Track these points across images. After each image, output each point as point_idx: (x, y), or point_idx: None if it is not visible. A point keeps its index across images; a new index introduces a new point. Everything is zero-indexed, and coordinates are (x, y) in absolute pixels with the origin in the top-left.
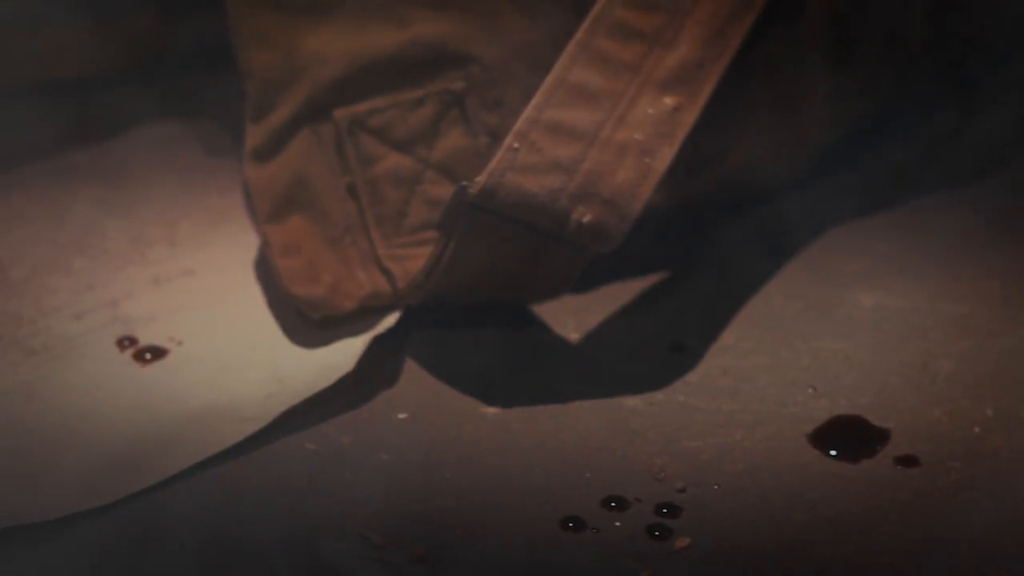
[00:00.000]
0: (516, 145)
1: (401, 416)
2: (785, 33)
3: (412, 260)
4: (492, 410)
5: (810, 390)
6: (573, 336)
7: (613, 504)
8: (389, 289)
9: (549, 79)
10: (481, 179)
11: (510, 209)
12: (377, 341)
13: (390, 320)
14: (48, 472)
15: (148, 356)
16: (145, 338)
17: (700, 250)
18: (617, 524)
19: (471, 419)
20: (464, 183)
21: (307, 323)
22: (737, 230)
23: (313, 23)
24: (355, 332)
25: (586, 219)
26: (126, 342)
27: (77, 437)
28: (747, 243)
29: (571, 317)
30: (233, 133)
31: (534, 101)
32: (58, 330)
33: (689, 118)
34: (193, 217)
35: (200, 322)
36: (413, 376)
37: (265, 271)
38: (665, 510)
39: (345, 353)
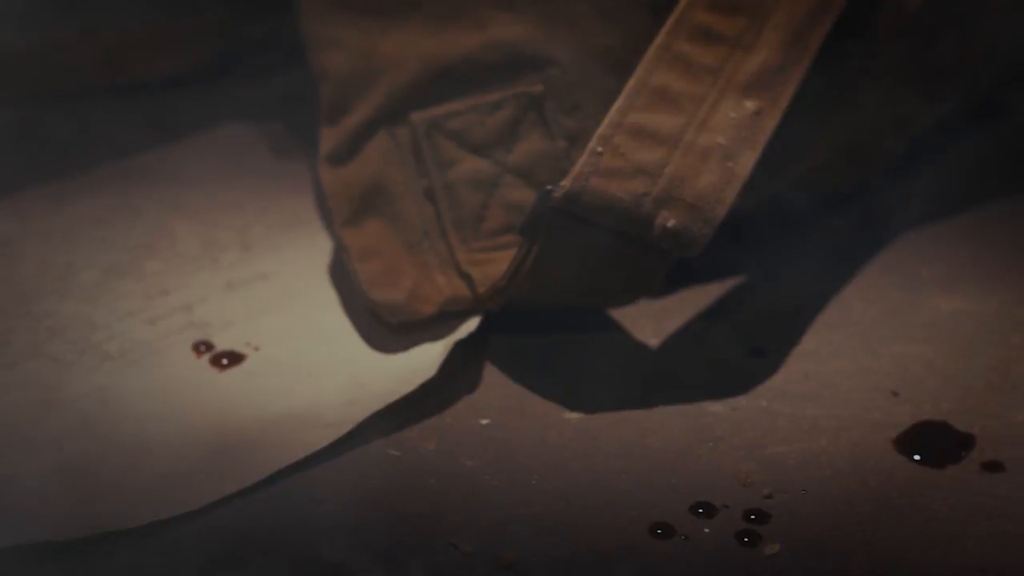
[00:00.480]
0: (600, 149)
1: (483, 422)
2: (858, 37)
3: (491, 264)
4: (574, 416)
5: (893, 395)
6: (652, 341)
7: (700, 510)
8: (468, 294)
9: (631, 82)
10: (565, 183)
11: (594, 213)
12: (456, 346)
13: (471, 325)
14: (129, 479)
15: (225, 361)
16: (222, 343)
17: (776, 254)
18: (706, 531)
19: (554, 425)
20: (549, 187)
21: (385, 328)
22: (813, 234)
23: (388, 26)
24: (434, 337)
25: (670, 224)
26: (202, 347)
27: (157, 443)
28: (823, 247)
29: (649, 322)
30: (301, 136)
31: (617, 105)
32: (133, 335)
33: (771, 122)
34: (265, 221)
35: (277, 327)
36: (493, 381)
37: (340, 275)
38: (753, 516)
39: (426, 358)
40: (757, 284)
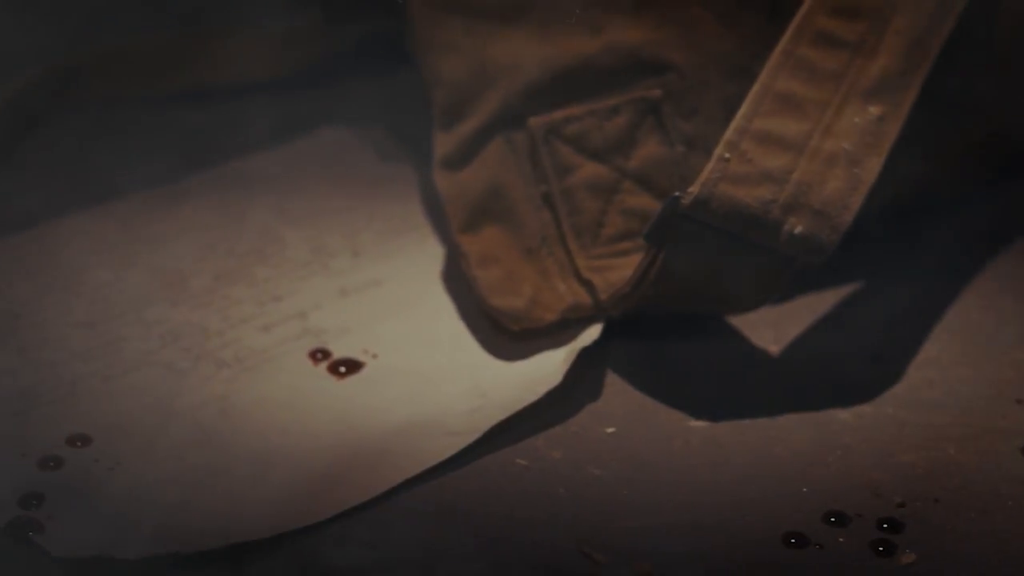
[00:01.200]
0: (727, 155)
1: (609, 430)
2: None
3: (612, 271)
4: (699, 424)
5: (1017, 403)
6: (772, 348)
7: (833, 519)
8: (590, 300)
9: (756, 88)
10: (693, 189)
11: (722, 220)
12: (578, 354)
13: (593, 332)
14: (255, 489)
15: (343, 369)
16: (339, 350)
17: (890, 260)
18: (840, 540)
19: (679, 433)
20: (677, 194)
21: (504, 334)
22: (926, 241)
23: (502, 29)
24: (555, 344)
25: (797, 230)
26: (319, 354)
27: (281, 453)
28: (936, 253)
29: (769, 329)
30: (402, 139)
31: (742, 110)
32: (248, 342)
33: (894, 128)
34: (373, 227)
35: (393, 334)
36: (617, 389)
37: (453, 281)
38: (886, 525)
39: (549, 366)
40: (873, 290)
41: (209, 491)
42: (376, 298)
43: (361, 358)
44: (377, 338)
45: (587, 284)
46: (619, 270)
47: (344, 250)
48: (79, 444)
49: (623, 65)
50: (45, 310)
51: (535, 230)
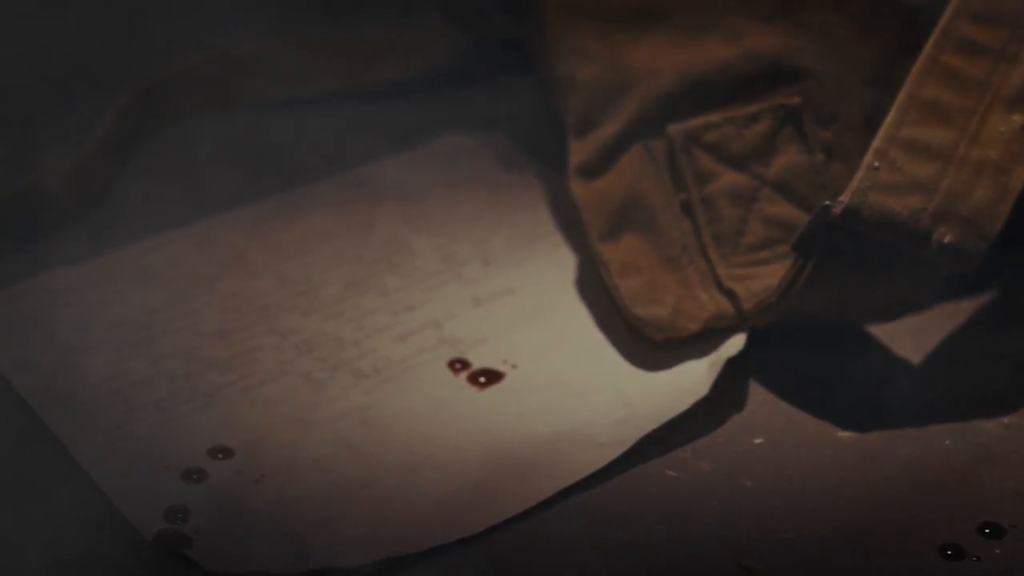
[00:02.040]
0: (876, 164)
1: (757, 441)
2: None
3: (753, 280)
4: (847, 434)
5: None
6: (914, 358)
7: (988, 531)
8: (732, 310)
9: (902, 96)
10: (844, 199)
11: (872, 230)
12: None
13: (738, 342)
14: (404, 502)
15: (483, 379)
16: (477, 360)
17: None
18: (997, 551)
19: (828, 444)
20: (827, 203)
21: (646, 344)
22: None
23: (637, 35)
24: (699, 353)
25: (947, 239)
26: (458, 364)
27: (427, 465)
28: None
29: (909, 338)
30: (526, 147)
31: (889, 118)
32: (385, 352)
33: None
34: (503, 234)
35: (531, 343)
36: (760, 399)
37: (587, 290)
38: None
39: (694, 376)
40: (1012, 297)
41: (355, 504)
42: (510, 307)
43: (501, 368)
44: (515, 348)
45: (729, 293)
46: (761, 279)
47: (475, 258)
48: (221, 456)
49: (761, 72)
50: (176, 319)
51: (675, 239)
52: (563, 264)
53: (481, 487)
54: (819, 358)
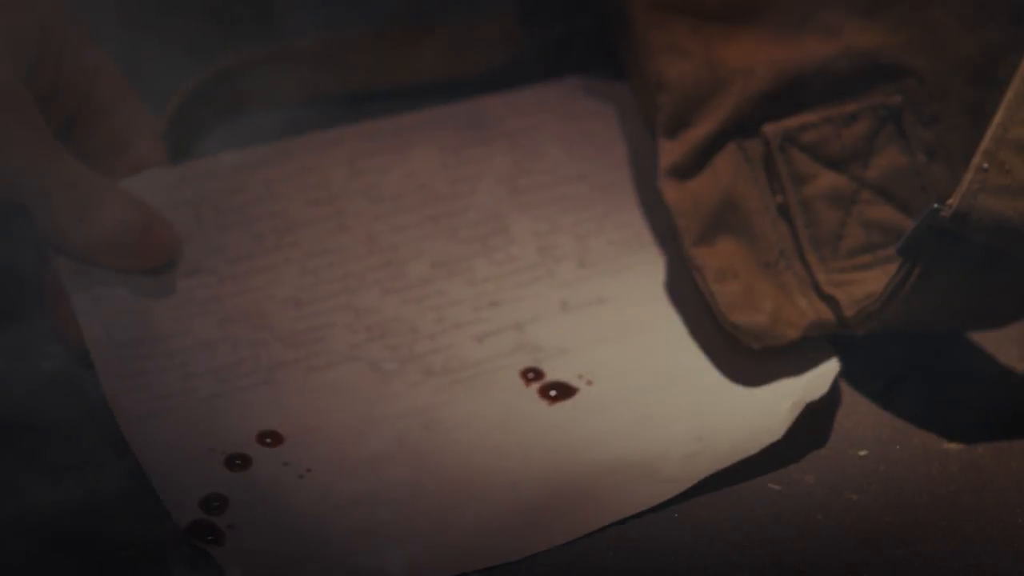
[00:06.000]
0: (985, 165)
1: (861, 453)
2: None
3: (853, 286)
4: (955, 446)
5: None
6: (1019, 367)
7: None
8: (833, 317)
9: (1009, 95)
10: (953, 202)
11: (982, 234)
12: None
13: (822, 386)
14: (453, 517)
15: (554, 393)
16: (552, 371)
17: None
18: None
19: (935, 456)
20: (935, 206)
21: (730, 374)
22: None
23: (731, 32)
24: (777, 394)
25: None
26: (531, 374)
27: (482, 479)
28: None
29: (1014, 346)
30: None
31: (998, 118)
32: (460, 351)
33: None
34: (604, 235)
35: (612, 360)
36: (864, 410)
37: (681, 307)
38: None
39: (772, 416)
40: None
41: (402, 515)
42: (598, 317)
43: (575, 383)
44: (594, 363)
45: (829, 299)
46: (862, 285)
47: (571, 256)
48: (269, 442)
49: (861, 70)
50: (252, 275)
51: (772, 243)
52: (660, 277)
53: (533, 509)
54: (921, 366)
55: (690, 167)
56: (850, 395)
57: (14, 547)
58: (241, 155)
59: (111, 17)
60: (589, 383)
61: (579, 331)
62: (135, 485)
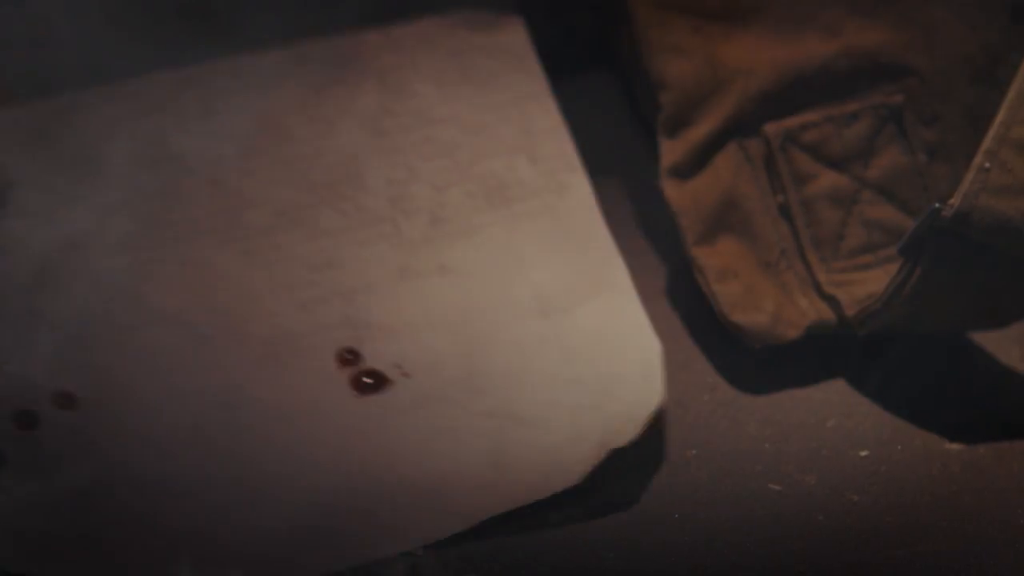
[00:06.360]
0: (987, 165)
1: (863, 453)
2: None
3: (855, 286)
4: (956, 447)
5: None
6: (1021, 367)
7: None
8: (833, 317)
9: (1011, 94)
10: (954, 201)
11: (983, 234)
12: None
13: (628, 433)
14: (239, 517)
15: (367, 382)
16: (372, 356)
17: None
18: None
19: (936, 456)
20: (936, 205)
21: (541, 383)
22: None
23: (732, 31)
24: (583, 437)
25: None
26: (349, 355)
27: (275, 477)
28: None
29: (1015, 346)
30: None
31: (999, 118)
32: (282, 320)
33: None
34: (464, 186)
35: (435, 348)
36: (865, 410)
37: (519, 279)
38: None
39: (573, 454)
40: None
41: (177, 511)
42: (434, 293)
43: (390, 374)
44: (417, 350)
45: (830, 299)
46: (863, 285)
47: (423, 210)
48: (63, 404)
49: (861, 69)
50: (80, 218)
51: (773, 242)
52: (509, 242)
53: (314, 526)
54: (922, 366)
55: (691, 166)
56: (850, 395)
57: None
58: (85, 93)
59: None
60: (405, 375)
61: (410, 308)
62: None
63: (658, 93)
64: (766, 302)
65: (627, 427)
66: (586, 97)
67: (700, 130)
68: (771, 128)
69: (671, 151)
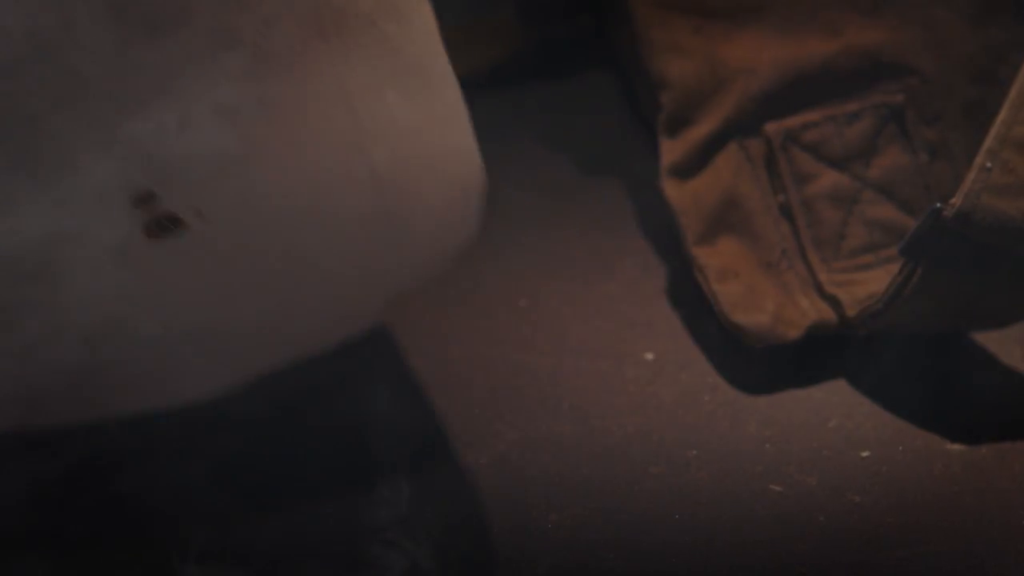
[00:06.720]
0: (988, 164)
1: (864, 454)
2: None
3: (856, 286)
4: (958, 447)
5: None
6: (1023, 367)
7: None
8: (835, 317)
9: (1013, 93)
10: (956, 201)
11: (985, 234)
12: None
13: None
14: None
15: (155, 228)
16: (171, 198)
17: None
18: None
19: (938, 457)
20: (938, 205)
21: (364, 238)
22: None
23: (733, 31)
24: None
25: None
26: (144, 197)
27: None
28: None
29: (1017, 346)
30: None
31: (1001, 117)
32: (86, 163)
33: None
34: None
35: (243, 188)
36: (866, 411)
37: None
38: None
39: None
40: None
41: None
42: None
43: (185, 215)
44: (225, 187)
45: (831, 299)
46: (864, 285)
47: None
48: None
49: (862, 68)
50: None
51: (774, 242)
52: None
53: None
54: (924, 367)
55: (691, 166)
56: (852, 395)
57: None
58: None
59: None
60: (200, 217)
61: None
62: None
63: (659, 93)
64: (767, 302)
65: (432, 264)
66: (586, 97)
67: (701, 130)
68: (772, 128)
69: (671, 151)
